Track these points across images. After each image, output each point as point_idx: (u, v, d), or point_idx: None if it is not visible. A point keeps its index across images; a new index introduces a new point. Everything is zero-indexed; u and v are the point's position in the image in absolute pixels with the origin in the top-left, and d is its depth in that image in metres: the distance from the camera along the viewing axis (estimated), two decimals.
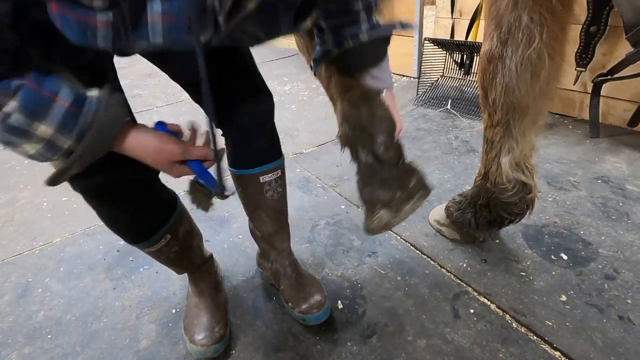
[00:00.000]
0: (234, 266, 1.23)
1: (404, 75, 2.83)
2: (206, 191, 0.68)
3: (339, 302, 1.06)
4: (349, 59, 0.70)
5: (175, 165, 0.63)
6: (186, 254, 0.94)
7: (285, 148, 1.98)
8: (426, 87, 2.39)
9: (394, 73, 2.89)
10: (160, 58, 0.76)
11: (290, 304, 1.01)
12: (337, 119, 0.76)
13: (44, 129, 0.50)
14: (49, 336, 1.05)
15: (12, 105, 0.46)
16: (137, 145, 0.59)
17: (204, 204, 0.72)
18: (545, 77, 0.80)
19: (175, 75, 0.80)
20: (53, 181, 0.58)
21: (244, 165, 0.89)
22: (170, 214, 0.85)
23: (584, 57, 1.77)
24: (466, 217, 1.13)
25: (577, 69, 1.81)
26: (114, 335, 1.03)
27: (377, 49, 0.71)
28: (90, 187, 0.71)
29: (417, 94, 2.38)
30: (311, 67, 0.79)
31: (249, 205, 0.97)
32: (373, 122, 0.69)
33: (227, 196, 0.68)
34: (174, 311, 1.09)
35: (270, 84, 3.42)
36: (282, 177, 0.95)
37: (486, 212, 1.06)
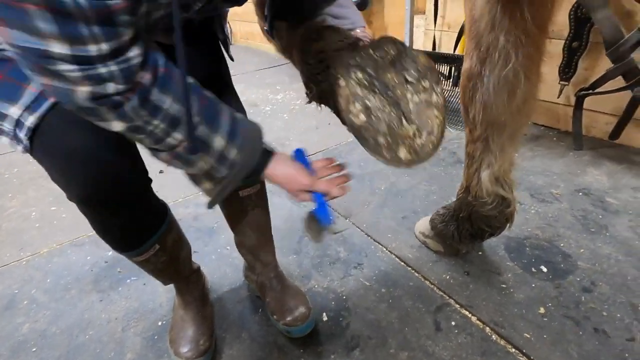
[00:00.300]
0: (222, 277, 1.24)
1: None
2: (320, 224, 0.71)
3: (324, 314, 1.08)
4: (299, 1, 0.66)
5: (301, 192, 0.68)
6: (174, 264, 0.95)
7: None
8: None
9: None
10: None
11: (275, 316, 1.02)
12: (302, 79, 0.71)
13: (219, 140, 0.57)
14: (34, 349, 1.05)
15: (196, 118, 0.54)
16: (279, 167, 0.65)
17: (315, 235, 0.72)
18: (521, 95, 0.84)
19: None
20: (214, 202, 0.66)
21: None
22: (160, 225, 0.85)
23: (567, 71, 1.82)
24: (449, 229, 1.16)
25: (561, 82, 1.85)
26: (100, 348, 1.04)
27: None
28: (87, 197, 0.70)
29: None
30: (265, 33, 0.75)
31: (232, 219, 0.99)
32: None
33: (337, 232, 0.73)
34: (160, 324, 1.09)
35: (263, 92, 3.43)
36: (263, 191, 0.97)
37: (468, 225, 1.09)
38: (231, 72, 0.88)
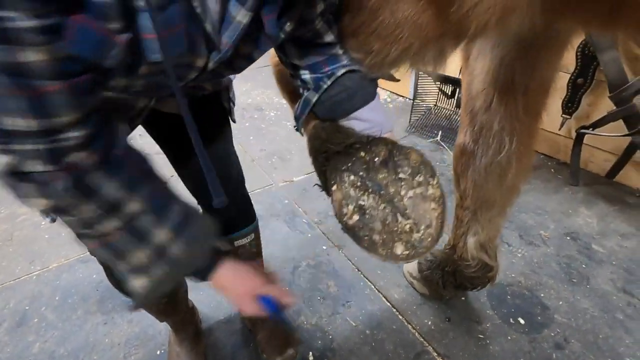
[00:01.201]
0: (216, 308, 1.32)
1: (400, 95, 2.86)
2: (283, 327, 0.70)
3: (310, 353, 1.16)
4: (330, 102, 0.64)
5: (252, 300, 0.63)
6: (173, 304, 1.02)
7: (277, 173, 2.06)
8: (420, 114, 2.43)
9: (390, 91, 2.92)
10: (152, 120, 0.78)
11: (265, 355, 1.10)
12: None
13: (163, 233, 0.52)
14: None
15: (135, 206, 0.49)
16: (230, 269, 0.61)
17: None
18: (512, 178, 0.87)
19: (165, 142, 0.85)
20: (142, 302, 0.65)
21: (222, 232, 0.95)
22: None
23: (569, 105, 1.81)
24: (435, 277, 1.21)
25: (563, 115, 1.86)
26: None
27: (362, 87, 0.64)
28: None
29: (410, 121, 2.42)
30: (295, 127, 0.74)
31: None
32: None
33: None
34: (158, 352, 1.18)
35: (269, 94, 3.37)
36: (257, 238, 1.02)
37: (452, 278, 1.15)
38: None
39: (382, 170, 0.61)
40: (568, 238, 1.51)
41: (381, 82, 2.98)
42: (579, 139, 1.80)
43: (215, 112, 0.84)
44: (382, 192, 0.60)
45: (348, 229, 0.61)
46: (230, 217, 0.93)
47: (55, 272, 1.48)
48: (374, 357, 1.13)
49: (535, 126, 0.88)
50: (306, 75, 0.67)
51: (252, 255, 1.01)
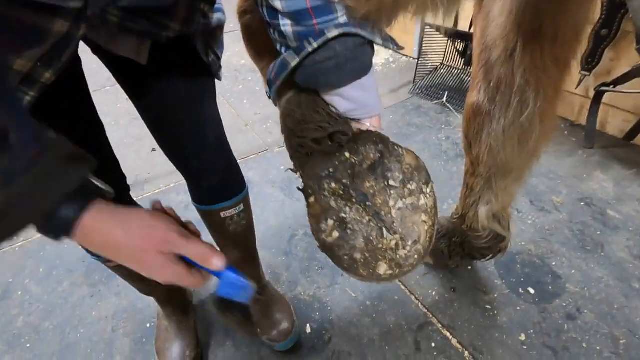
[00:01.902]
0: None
1: (404, 55, 2.68)
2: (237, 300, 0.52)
3: (308, 325, 1.10)
4: (313, 70, 0.49)
5: (167, 260, 0.44)
6: None
7: (272, 138, 1.94)
8: (425, 73, 2.27)
9: (393, 51, 2.74)
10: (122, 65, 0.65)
11: (259, 329, 1.04)
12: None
13: None
14: (28, 345, 1.09)
15: None
16: (110, 215, 0.41)
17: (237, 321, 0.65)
18: (534, 141, 0.76)
19: (139, 97, 0.72)
20: None
21: (204, 202, 0.86)
22: None
23: (590, 60, 1.66)
24: (440, 246, 1.13)
25: (582, 72, 1.70)
26: (90, 348, 1.08)
27: (355, 57, 0.49)
28: None
29: (414, 81, 2.27)
30: (267, 94, 0.59)
31: (214, 236, 0.96)
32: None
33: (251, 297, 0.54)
34: (148, 325, 1.12)
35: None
36: (246, 210, 0.93)
37: (460, 249, 1.06)
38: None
39: (370, 177, 0.51)
40: (582, 204, 1.42)
41: None
42: (598, 97, 1.66)
43: (187, 64, 0.69)
44: (367, 203, 0.50)
45: (326, 248, 0.51)
46: (212, 187, 0.83)
47: (39, 243, 1.40)
48: (375, 329, 1.07)
49: (563, 79, 0.75)
50: (287, 26, 0.50)
51: (242, 227, 0.92)
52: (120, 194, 0.75)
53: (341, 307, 1.14)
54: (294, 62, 0.49)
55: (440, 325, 1.07)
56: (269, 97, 0.59)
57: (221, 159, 0.82)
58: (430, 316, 1.09)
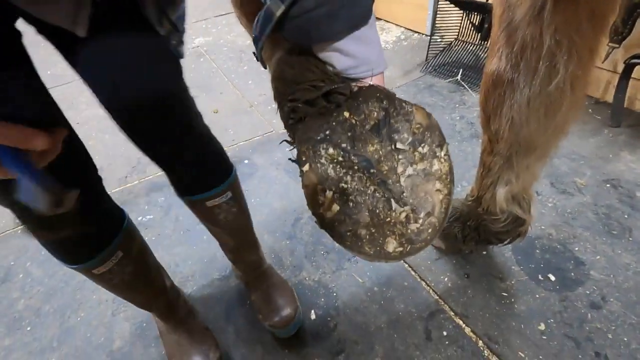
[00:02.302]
0: (212, 261, 1.21)
1: (415, 32, 2.55)
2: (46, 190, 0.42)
3: (313, 311, 1.05)
4: (302, 20, 0.41)
5: None
6: (143, 274, 0.84)
7: (277, 119, 1.87)
8: (438, 50, 2.15)
9: (405, 27, 2.61)
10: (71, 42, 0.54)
11: (260, 315, 0.99)
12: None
13: None
14: (28, 328, 1.08)
15: None
16: None
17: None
18: (563, 114, 0.67)
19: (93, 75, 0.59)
20: None
21: (187, 192, 0.80)
22: (119, 227, 0.73)
23: (620, 31, 1.52)
24: (453, 230, 1.06)
25: (610, 44, 1.57)
26: (90, 332, 1.05)
27: (351, 2, 0.41)
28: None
29: (427, 59, 2.15)
30: (254, 55, 0.51)
31: (206, 225, 0.91)
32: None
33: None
34: None
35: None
36: (236, 197, 0.86)
37: (475, 234, 0.99)
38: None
39: (374, 138, 0.43)
40: (607, 185, 1.32)
41: (395, 18, 2.66)
42: (628, 71, 1.53)
43: (139, 36, 0.58)
44: (372, 170, 0.43)
45: (325, 225, 0.43)
46: (191, 177, 0.76)
47: None
48: (383, 316, 1.02)
49: (599, 40, 0.66)
50: None
51: (233, 215, 0.86)
52: (87, 183, 0.66)
53: (347, 293, 1.08)
54: (279, 10, 0.41)
55: (453, 313, 1.01)
56: (257, 59, 0.51)
57: (196, 147, 0.72)
58: (442, 303, 1.03)
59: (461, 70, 2.00)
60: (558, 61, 0.61)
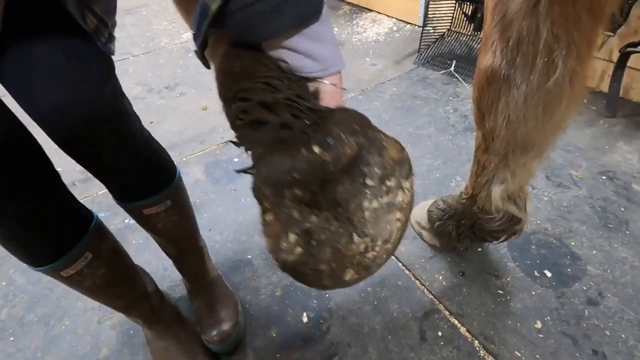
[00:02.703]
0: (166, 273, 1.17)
1: (408, 23, 2.50)
2: None
3: (305, 314, 1.02)
4: (243, 15, 0.37)
5: None
6: (118, 277, 0.78)
7: None
8: (430, 42, 2.11)
9: (397, 19, 2.56)
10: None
11: (199, 327, 0.96)
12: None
13: None
14: (12, 338, 1.04)
15: None
16: None
17: None
18: (562, 110, 0.64)
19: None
20: None
21: (122, 199, 0.75)
22: (87, 226, 0.69)
23: (615, 19, 1.50)
24: (447, 228, 1.03)
25: (605, 32, 1.54)
26: (75, 341, 1.02)
27: None
28: None
29: (420, 50, 2.11)
30: (195, 53, 0.46)
31: (145, 230, 0.87)
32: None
33: None
34: None
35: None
36: (178, 204, 0.81)
37: (469, 232, 0.97)
38: None
39: (345, 179, 0.39)
40: (603, 177, 1.30)
41: (386, 9, 2.61)
42: (623, 60, 1.50)
43: (62, 30, 0.52)
44: (338, 209, 0.40)
45: (287, 268, 0.40)
46: (125, 185, 0.72)
47: None
48: (377, 317, 1.00)
49: (598, 33, 0.63)
50: None
51: (173, 223, 0.82)
52: (43, 181, 0.61)
53: (340, 295, 1.06)
54: (215, 5, 0.36)
55: (448, 313, 0.99)
56: (199, 58, 0.46)
57: (129, 153, 0.67)
58: (437, 303, 1.01)
59: (454, 62, 1.96)
60: (556, 56, 0.57)
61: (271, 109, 0.38)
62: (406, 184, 0.42)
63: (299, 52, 0.39)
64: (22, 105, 0.54)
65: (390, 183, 0.41)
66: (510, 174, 0.75)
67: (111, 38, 0.59)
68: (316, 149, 0.37)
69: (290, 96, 0.38)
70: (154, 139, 0.76)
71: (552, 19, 0.55)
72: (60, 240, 0.65)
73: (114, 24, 0.59)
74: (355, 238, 0.40)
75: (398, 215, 0.42)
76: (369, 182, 0.40)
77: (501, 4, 0.60)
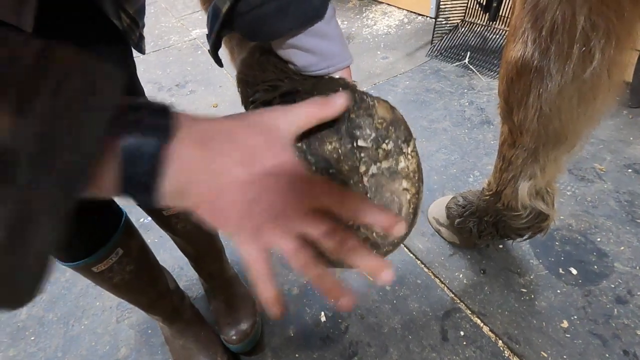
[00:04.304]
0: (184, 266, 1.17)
1: (419, 14, 2.45)
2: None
3: (323, 313, 1.01)
4: (251, 16, 0.38)
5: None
6: (145, 274, 0.79)
7: None
8: (443, 33, 2.06)
9: (407, 10, 2.50)
10: None
11: (217, 327, 0.96)
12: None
13: None
14: (32, 338, 1.05)
15: None
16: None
17: None
18: (599, 102, 0.61)
19: None
20: None
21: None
22: (119, 221, 0.69)
23: None
24: (468, 225, 1.01)
25: None
26: (94, 341, 1.02)
27: None
28: None
29: (432, 42, 2.06)
30: (209, 52, 0.47)
31: (166, 232, 0.87)
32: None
33: None
34: None
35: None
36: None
37: (492, 229, 0.94)
38: None
39: (332, 136, 0.39)
40: (629, 170, 1.25)
41: (397, 1, 2.55)
42: None
43: (93, 31, 0.51)
44: (331, 170, 0.39)
45: None
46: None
47: None
48: (396, 317, 0.98)
49: (637, 20, 0.59)
50: None
51: (193, 223, 0.79)
52: None
53: (358, 293, 1.04)
54: (225, 6, 0.38)
55: (470, 312, 0.96)
56: (215, 60, 0.48)
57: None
58: (458, 302, 0.99)
59: (469, 53, 1.91)
60: (594, 45, 0.54)
61: (270, 105, 0.40)
62: (407, 149, 0.40)
63: (305, 49, 0.41)
64: None
65: (387, 147, 0.39)
66: (540, 169, 0.72)
67: (141, 37, 0.59)
68: None
69: (286, 90, 0.40)
70: None
71: (589, 6, 0.52)
72: (94, 234, 0.65)
73: (143, 25, 0.59)
74: None
75: (405, 184, 0.40)
76: (361, 143, 0.39)
77: None
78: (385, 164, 0.39)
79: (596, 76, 0.57)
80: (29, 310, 1.12)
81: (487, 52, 1.90)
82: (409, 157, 0.40)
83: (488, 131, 1.50)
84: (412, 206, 0.40)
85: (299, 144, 0.38)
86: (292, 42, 0.40)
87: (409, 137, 0.41)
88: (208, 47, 0.46)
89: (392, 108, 0.41)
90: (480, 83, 1.78)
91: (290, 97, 0.40)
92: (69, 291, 1.15)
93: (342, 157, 0.38)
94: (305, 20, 0.39)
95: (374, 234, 0.39)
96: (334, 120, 0.38)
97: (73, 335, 1.04)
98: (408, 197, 0.40)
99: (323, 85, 0.40)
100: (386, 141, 0.39)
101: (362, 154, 0.39)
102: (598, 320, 0.91)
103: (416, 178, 0.41)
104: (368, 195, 0.39)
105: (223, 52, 0.50)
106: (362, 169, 0.39)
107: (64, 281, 1.18)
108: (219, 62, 0.49)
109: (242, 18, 0.39)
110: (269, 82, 0.41)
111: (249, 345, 0.93)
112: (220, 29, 0.41)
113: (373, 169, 0.39)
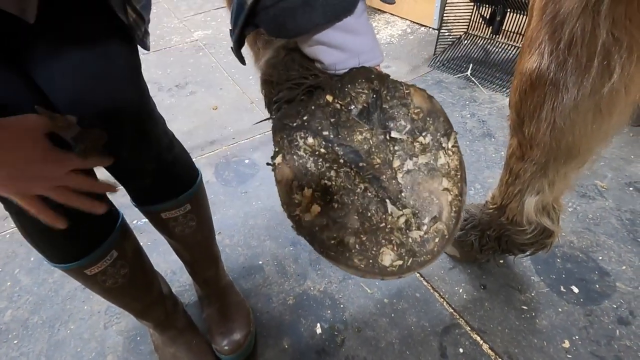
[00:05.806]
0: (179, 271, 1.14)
1: (422, 25, 2.46)
2: None
3: (319, 325, 0.98)
4: (276, 12, 0.37)
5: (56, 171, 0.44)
6: (139, 278, 0.77)
7: None
8: (446, 45, 2.06)
9: (411, 21, 2.51)
10: None
11: (209, 336, 0.93)
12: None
13: None
14: (15, 341, 1.01)
15: None
16: None
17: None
18: (615, 118, 0.59)
19: None
20: None
21: (140, 201, 0.73)
22: (114, 223, 0.68)
23: None
24: (469, 238, 0.99)
25: None
26: (80, 347, 0.99)
27: None
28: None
29: (435, 53, 2.07)
30: (232, 49, 0.46)
31: (162, 235, 0.84)
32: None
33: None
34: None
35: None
36: (197, 210, 0.79)
37: (494, 243, 0.92)
38: None
39: (362, 125, 0.36)
40: (631, 189, 1.25)
41: (400, 11, 2.56)
42: None
43: (98, 25, 0.51)
44: (361, 163, 0.36)
45: (302, 230, 0.36)
46: (146, 187, 0.70)
47: None
48: (394, 331, 0.95)
49: None
50: None
51: (191, 229, 0.79)
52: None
53: (355, 305, 1.01)
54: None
55: (469, 328, 0.94)
56: (238, 58, 0.46)
57: (151, 155, 0.65)
58: (458, 317, 0.96)
59: (471, 66, 1.92)
60: (615, 59, 0.53)
61: (294, 102, 0.39)
62: (447, 144, 0.37)
63: (334, 46, 0.38)
64: (56, 101, 0.52)
65: (425, 140, 0.36)
66: (548, 184, 0.70)
67: (147, 33, 0.58)
68: (328, 97, 0.37)
69: (312, 84, 0.38)
70: (177, 141, 0.74)
71: (612, 19, 0.51)
72: (88, 236, 0.63)
73: (149, 20, 0.58)
74: (390, 206, 0.35)
75: (445, 183, 0.36)
76: (395, 134, 0.35)
77: (552, 3, 0.55)
78: (422, 159, 0.36)
79: (615, 92, 0.56)
80: (14, 311, 1.08)
81: (490, 65, 1.91)
82: (450, 152, 0.37)
83: (489, 144, 1.49)
84: (454, 209, 0.36)
85: (325, 132, 0.35)
86: (319, 38, 0.37)
87: (449, 130, 0.38)
88: (230, 45, 0.44)
89: (430, 97, 0.38)
90: (482, 96, 1.78)
91: (314, 92, 0.38)
92: (56, 293, 1.11)
93: (373, 149, 0.35)
94: (333, 14, 0.36)
95: (410, 240, 0.36)
96: (364, 107, 0.36)
97: (58, 340, 1.00)
98: (449, 198, 0.36)
99: (351, 75, 0.37)
100: (423, 134, 0.36)
101: (396, 147, 0.35)
102: (600, 342, 0.89)
103: (458, 177, 0.37)
104: (403, 193, 0.35)
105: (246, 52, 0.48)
106: (396, 163, 0.35)
107: (52, 282, 1.14)
108: (241, 60, 0.46)
109: (267, 12, 0.37)
110: (292, 80, 0.39)
111: (241, 357, 0.90)
112: (245, 24, 0.38)
113: (409, 164, 0.35)
